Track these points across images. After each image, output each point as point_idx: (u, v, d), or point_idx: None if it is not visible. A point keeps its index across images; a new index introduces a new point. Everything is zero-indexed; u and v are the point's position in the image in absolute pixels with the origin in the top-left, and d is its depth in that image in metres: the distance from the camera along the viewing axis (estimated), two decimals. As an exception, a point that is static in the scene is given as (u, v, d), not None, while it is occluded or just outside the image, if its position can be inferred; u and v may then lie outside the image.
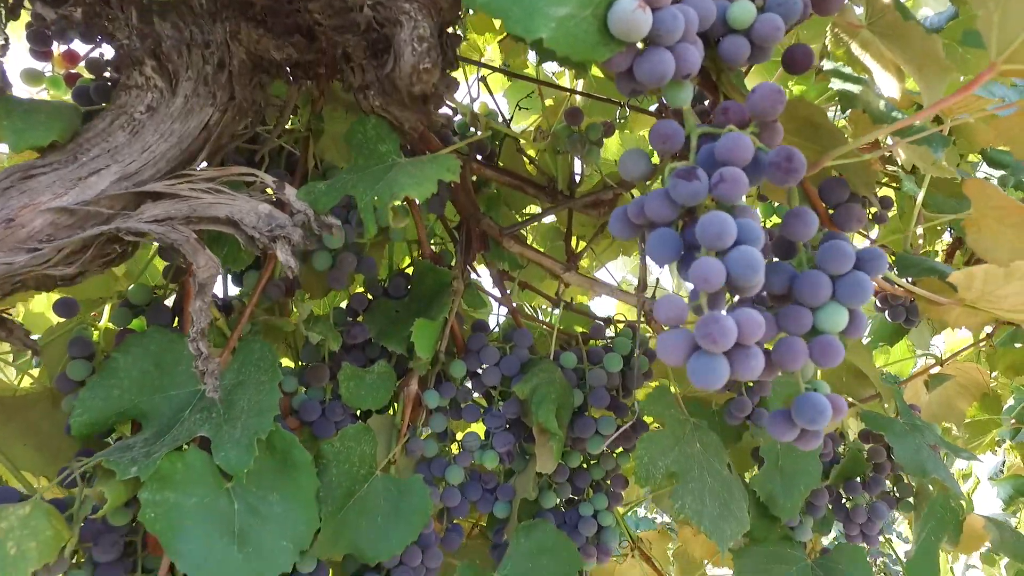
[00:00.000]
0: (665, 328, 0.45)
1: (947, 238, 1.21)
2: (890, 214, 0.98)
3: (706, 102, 0.78)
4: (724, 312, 0.43)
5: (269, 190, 0.66)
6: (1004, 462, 1.75)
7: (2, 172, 0.59)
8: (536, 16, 0.39)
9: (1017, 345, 1.30)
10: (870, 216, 0.97)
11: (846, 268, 0.50)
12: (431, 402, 0.81)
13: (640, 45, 0.45)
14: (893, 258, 0.90)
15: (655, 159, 0.53)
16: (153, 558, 0.71)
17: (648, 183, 0.61)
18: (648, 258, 0.56)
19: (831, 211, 0.64)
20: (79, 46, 0.92)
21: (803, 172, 0.45)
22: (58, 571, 0.64)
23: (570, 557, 0.79)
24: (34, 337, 0.81)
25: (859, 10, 0.69)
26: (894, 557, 1.12)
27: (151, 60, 0.64)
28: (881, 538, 1.02)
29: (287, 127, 0.80)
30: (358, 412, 0.82)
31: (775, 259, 0.55)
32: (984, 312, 0.71)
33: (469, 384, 0.86)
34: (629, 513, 1.18)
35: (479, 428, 0.87)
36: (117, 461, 0.59)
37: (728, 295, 0.49)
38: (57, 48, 0.89)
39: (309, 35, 0.67)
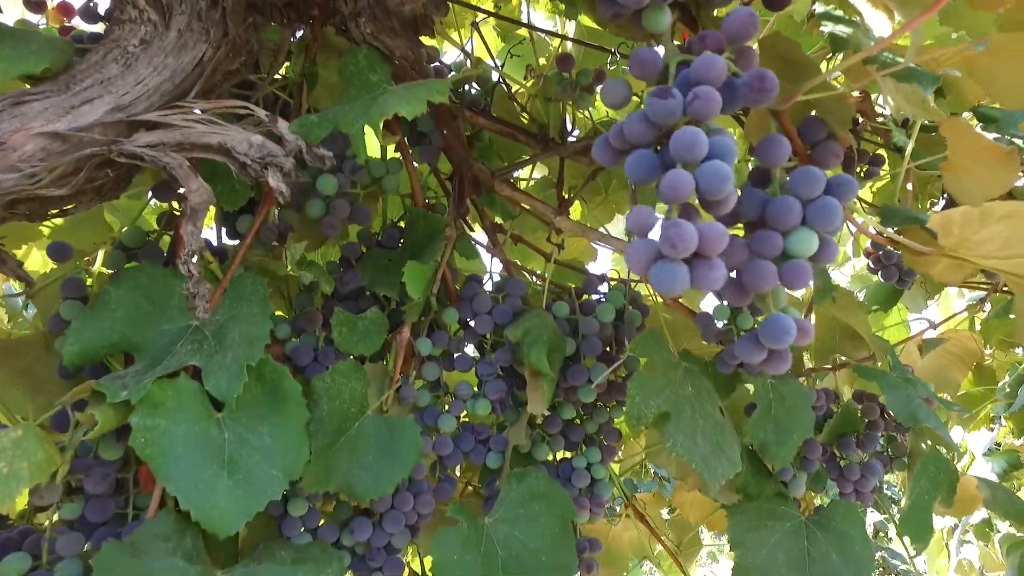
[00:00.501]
0: (633, 235, 0.46)
1: (940, 207, 1.22)
2: (882, 172, 0.99)
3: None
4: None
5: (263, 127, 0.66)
6: (997, 440, 1.75)
7: (-5, 98, 0.60)
8: None
9: (1011, 316, 1.30)
10: (861, 172, 0.98)
11: (816, 192, 0.52)
12: (424, 349, 0.81)
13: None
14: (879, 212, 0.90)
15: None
16: (144, 497, 0.71)
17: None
18: (632, 186, 0.56)
19: (809, 150, 0.65)
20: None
21: (776, 91, 0.46)
22: (50, 498, 0.64)
23: (563, 503, 0.79)
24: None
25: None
26: (890, 516, 1.12)
27: (145, -8, 0.64)
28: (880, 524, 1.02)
29: (281, 75, 0.81)
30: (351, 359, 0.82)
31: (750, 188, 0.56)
32: (967, 263, 0.72)
33: (462, 335, 0.86)
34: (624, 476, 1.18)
35: (472, 380, 0.87)
36: (108, 385, 0.59)
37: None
38: (51, 0, 0.90)
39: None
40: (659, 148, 0.49)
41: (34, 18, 0.89)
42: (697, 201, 0.48)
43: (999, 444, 1.72)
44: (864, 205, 1.11)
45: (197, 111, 0.64)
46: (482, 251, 1.04)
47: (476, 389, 0.85)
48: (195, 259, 0.58)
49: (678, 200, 0.44)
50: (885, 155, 1.00)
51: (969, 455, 1.69)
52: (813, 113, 0.63)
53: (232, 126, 0.63)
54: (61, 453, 0.62)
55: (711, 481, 0.71)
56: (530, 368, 0.75)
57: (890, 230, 0.78)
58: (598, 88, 0.81)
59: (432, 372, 0.83)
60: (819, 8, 0.71)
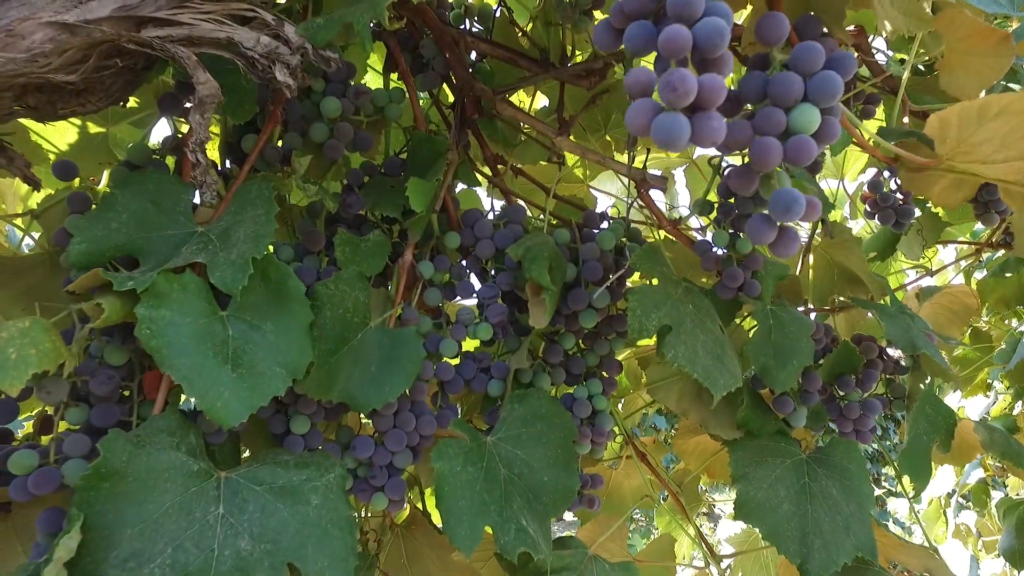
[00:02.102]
0: (633, 97, 0.47)
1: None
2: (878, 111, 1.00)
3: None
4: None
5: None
6: (993, 410, 1.76)
7: (4, -9, 0.60)
8: None
9: (1008, 275, 1.31)
10: (857, 111, 0.99)
11: (817, 66, 0.52)
12: (426, 272, 0.81)
13: None
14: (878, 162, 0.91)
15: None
16: (148, 407, 0.71)
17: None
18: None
19: None
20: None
21: None
22: (58, 394, 0.64)
23: (564, 424, 0.79)
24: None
25: None
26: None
27: None
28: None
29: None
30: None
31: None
32: (965, 180, 0.72)
33: (464, 264, 0.87)
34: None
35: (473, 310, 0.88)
36: (114, 275, 0.59)
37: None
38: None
39: None
40: (657, 21, 0.50)
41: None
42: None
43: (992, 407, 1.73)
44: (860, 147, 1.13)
45: (205, 10, 0.65)
46: (482, 193, 1.04)
47: (477, 316, 0.85)
48: (203, 148, 0.59)
49: (676, 54, 0.45)
50: (880, 96, 1.01)
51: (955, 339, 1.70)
52: (810, 10, 0.64)
53: (240, 26, 0.64)
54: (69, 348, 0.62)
55: (713, 390, 0.72)
56: (531, 284, 0.76)
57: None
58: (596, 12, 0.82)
59: (434, 298, 0.83)
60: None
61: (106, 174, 0.79)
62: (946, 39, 0.62)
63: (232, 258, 0.62)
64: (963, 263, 1.28)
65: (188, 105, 0.71)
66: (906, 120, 0.90)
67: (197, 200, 0.68)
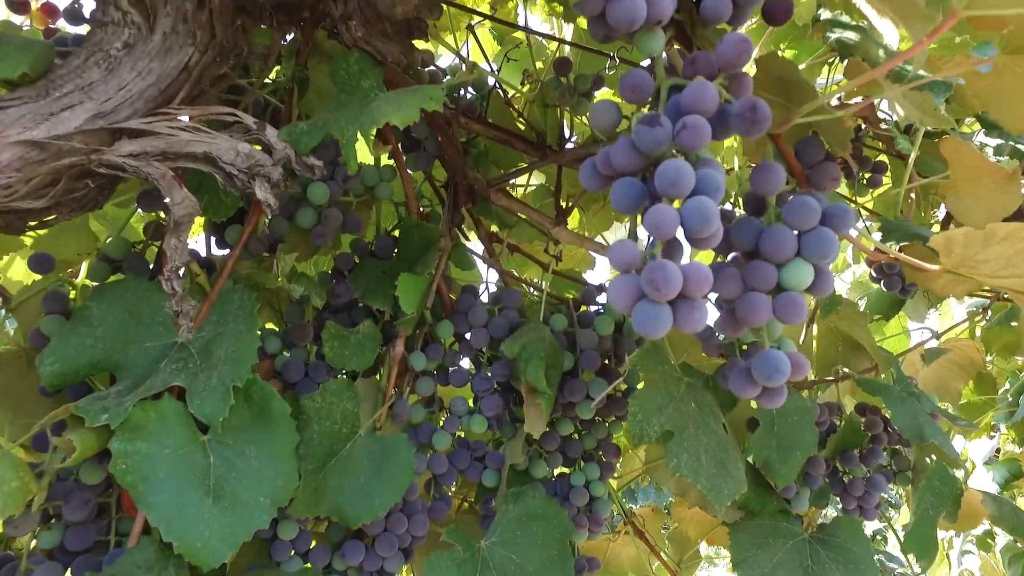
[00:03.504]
0: (618, 273, 0.44)
1: (942, 212, 1.20)
2: (884, 179, 0.97)
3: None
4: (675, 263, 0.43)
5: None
6: (998, 447, 1.74)
7: (-32, 105, 0.57)
8: None
9: (1013, 324, 1.29)
10: (864, 179, 0.96)
11: (812, 223, 0.50)
12: (418, 364, 0.78)
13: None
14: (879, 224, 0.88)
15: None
16: (127, 521, 0.68)
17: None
18: (625, 217, 0.54)
19: (807, 171, 0.63)
20: (58, 1, 0.90)
21: (768, 123, 0.45)
22: (26, 528, 0.61)
23: (561, 524, 0.77)
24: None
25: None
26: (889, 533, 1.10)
27: (127, -6, 0.62)
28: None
29: (271, 79, 0.78)
30: (343, 374, 0.79)
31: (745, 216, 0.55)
32: (969, 279, 0.70)
33: (457, 349, 0.84)
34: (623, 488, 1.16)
35: (467, 395, 0.85)
36: (87, 408, 0.56)
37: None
38: (35, 1, 0.87)
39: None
40: (646, 176, 0.47)
41: (17, 19, 0.86)
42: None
43: (999, 450, 1.70)
44: (866, 212, 1.10)
45: (183, 118, 0.61)
46: (477, 260, 1.01)
47: (472, 404, 0.82)
48: (179, 275, 0.56)
49: (662, 237, 0.43)
50: (887, 161, 0.98)
51: (970, 463, 1.68)
52: (811, 133, 0.61)
53: (219, 134, 0.60)
54: (39, 479, 0.59)
55: (717, 503, 0.69)
56: (527, 386, 0.73)
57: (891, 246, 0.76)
58: (596, 93, 0.79)
59: (427, 388, 0.80)
60: (825, 14, 0.69)
61: (85, 266, 0.76)
62: (952, 163, 0.59)
63: (213, 383, 0.59)
64: (966, 323, 1.25)
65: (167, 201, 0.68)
66: (912, 196, 0.87)
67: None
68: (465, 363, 0.86)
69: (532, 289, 0.96)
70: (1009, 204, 0.59)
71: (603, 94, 1.07)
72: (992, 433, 1.63)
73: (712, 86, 0.44)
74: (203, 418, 0.58)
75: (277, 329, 0.83)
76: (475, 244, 0.97)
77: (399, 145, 0.81)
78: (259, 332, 0.76)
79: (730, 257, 0.56)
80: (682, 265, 0.43)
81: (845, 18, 0.68)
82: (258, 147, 0.63)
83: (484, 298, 0.97)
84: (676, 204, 0.45)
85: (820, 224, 0.50)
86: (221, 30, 0.66)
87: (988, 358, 1.46)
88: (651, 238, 0.44)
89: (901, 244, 0.72)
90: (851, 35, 0.65)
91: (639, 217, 0.46)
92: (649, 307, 0.43)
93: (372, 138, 0.53)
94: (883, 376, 0.98)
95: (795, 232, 0.50)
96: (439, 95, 0.53)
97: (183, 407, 0.59)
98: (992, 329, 1.32)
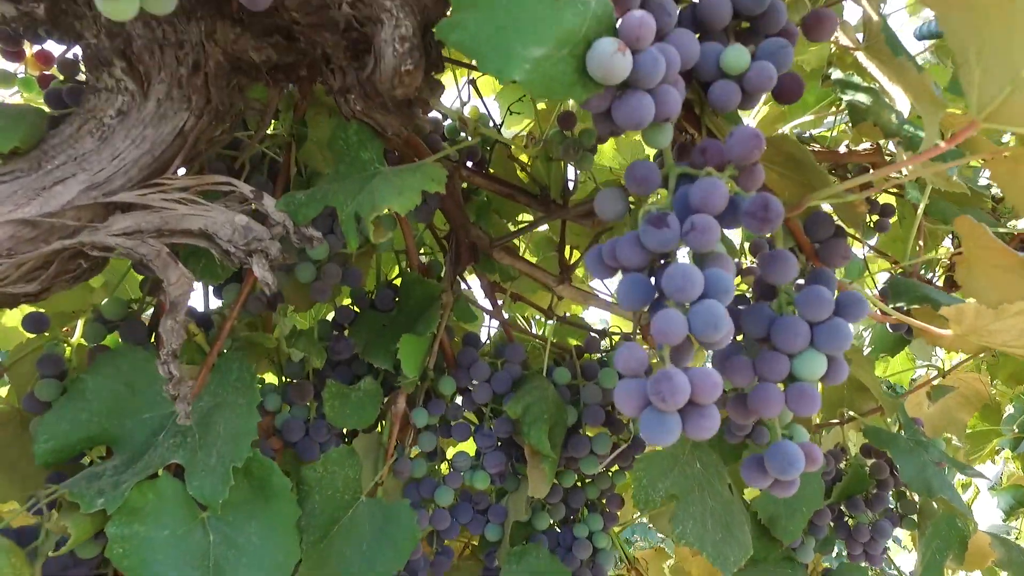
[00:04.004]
0: (624, 376, 0.43)
1: (948, 243, 1.19)
2: (891, 220, 0.96)
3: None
4: (682, 368, 0.41)
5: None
6: (1003, 472, 1.73)
7: (-41, 182, 0.56)
8: (511, 58, 0.36)
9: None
10: (871, 223, 0.95)
11: (825, 315, 0.49)
12: (420, 421, 0.77)
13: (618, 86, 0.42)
14: (891, 266, 0.87)
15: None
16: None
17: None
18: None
19: (817, 247, 0.62)
20: (53, 46, 0.88)
21: (780, 221, 0.44)
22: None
23: (564, 582, 0.76)
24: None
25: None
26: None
27: (121, 61, 0.60)
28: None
29: (269, 132, 0.77)
30: (344, 431, 0.78)
31: (756, 301, 0.54)
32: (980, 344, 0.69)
33: (459, 400, 0.83)
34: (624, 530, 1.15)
35: (469, 446, 0.84)
36: (82, 493, 0.55)
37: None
38: (30, 48, 0.85)
39: (288, 36, 0.64)
40: (654, 268, 0.46)
41: (11, 66, 0.84)
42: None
43: (1003, 476, 1.69)
44: (874, 251, 1.09)
45: (178, 187, 0.60)
46: (477, 293, 1.00)
47: (474, 457, 0.81)
48: (176, 358, 0.54)
49: (671, 344, 0.41)
50: (895, 203, 0.97)
51: (974, 488, 1.67)
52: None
53: (215, 205, 0.59)
54: (32, 559, 0.58)
55: (723, 570, 0.68)
56: (531, 448, 0.72)
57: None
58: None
59: (429, 443, 0.79)
60: (836, 74, 0.68)
61: (80, 323, 0.74)
62: (965, 241, 0.58)
63: (212, 463, 0.58)
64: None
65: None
66: (920, 244, 0.86)
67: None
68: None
69: (534, 325, 0.95)
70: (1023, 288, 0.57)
71: (607, 146, 1.05)
72: (996, 458, 1.62)
73: (722, 184, 0.43)
74: (202, 500, 0.57)
75: (277, 382, 0.82)
76: (476, 284, 0.96)
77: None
78: (259, 387, 0.75)
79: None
80: (690, 371, 0.42)
81: (856, 79, 0.66)
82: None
83: (483, 333, 0.96)
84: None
85: (834, 315, 0.49)
86: (216, 93, 0.64)
87: (993, 382, 1.45)
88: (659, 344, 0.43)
89: (910, 306, 0.71)
90: (863, 98, 0.63)
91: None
92: (657, 416, 0.41)
93: (371, 225, 0.52)
94: (888, 420, 0.97)
95: (808, 323, 0.49)
96: (441, 176, 0.52)
97: (181, 485, 0.58)
98: (998, 359, 1.31)
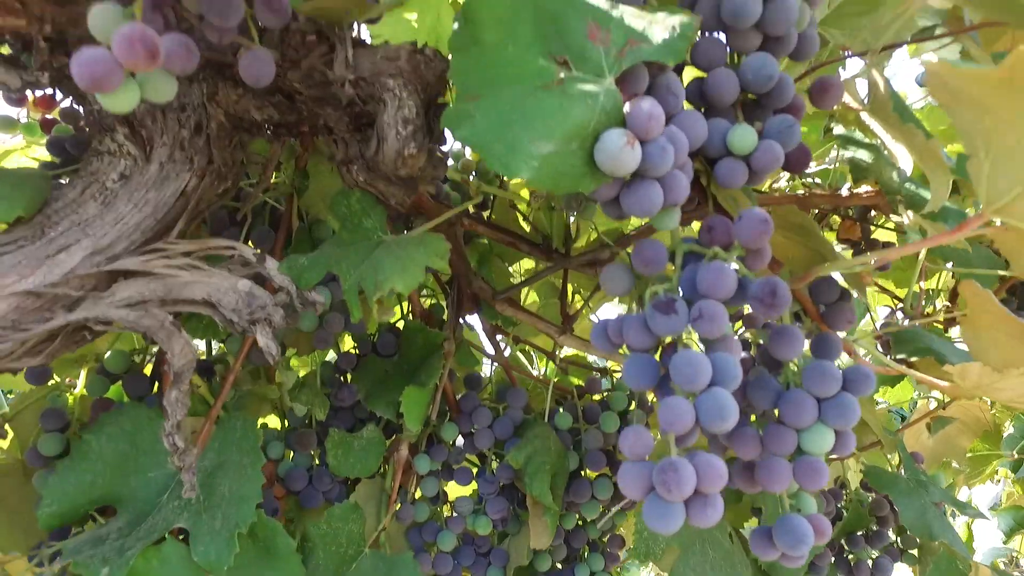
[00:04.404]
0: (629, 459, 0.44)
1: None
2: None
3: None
4: (687, 456, 0.42)
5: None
6: (1003, 491, 1.73)
7: (-37, 252, 0.56)
8: (518, 155, 0.36)
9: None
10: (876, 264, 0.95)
11: (833, 391, 0.49)
12: (422, 468, 0.78)
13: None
14: (891, 302, 0.87)
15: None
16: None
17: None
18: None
19: (822, 310, 0.62)
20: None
21: (787, 306, 0.44)
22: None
23: (567, 628, 0.76)
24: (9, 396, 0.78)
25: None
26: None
27: (123, 127, 0.60)
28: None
29: (271, 181, 0.77)
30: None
31: (762, 370, 0.54)
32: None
33: (460, 442, 0.83)
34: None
35: (472, 488, 0.84)
36: (87, 562, 0.55)
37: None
38: (32, 93, 0.85)
39: (290, 96, 0.64)
40: (660, 352, 0.46)
41: (14, 111, 0.84)
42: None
43: (1003, 496, 1.70)
44: (876, 287, 1.09)
45: (181, 252, 0.60)
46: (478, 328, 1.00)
47: (476, 501, 0.81)
48: (180, 429, 0.55)
49: (677, 433, 0.41)
50: (897, 242, 0.97)
51: (973, 509, 1.67)
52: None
53: (217, 270, 0.59)
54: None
55: (723, 624, 0.68)
56: (533, 499, 0.72)
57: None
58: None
59: (431, 488, 0.80)
60: (838, 129, 0.68)
61: (83, 374, 0.75)
62: (971, 304, 0.58)
63: (216, 527, 0.58)
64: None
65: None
66: (923, 285, 0.86)
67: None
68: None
69: (537, 379, 0.95)
70: (1028, 356, 0.58)
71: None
72: (996, 478, 1.63)
73: (731, 270, 0.43)
74: (207, 567, 0.57)
75: (280, 428, 0.82)
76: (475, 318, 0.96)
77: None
78: (261, 433, 0.75)
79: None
80: (696, 459, 0.42)
81: (859, 135, 0.66)
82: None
83: (485, 367, 0.96)
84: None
85: (842, 390, 0.49)
86: (219, 153, 0.64)
87: (992, 404, 1.45)
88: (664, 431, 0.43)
89: (913, 354, 0.72)
90: (864, 155, 0.63)
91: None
92: (661, 504, 0.41)
93: (375, 304, 0.52)
94: (889, 457, 0.97)
95: (815, 399, 0.49)
96: (444, 251, 0.52)
97: (186, 551, 0.59)
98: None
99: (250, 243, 0.76)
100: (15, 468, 0.74)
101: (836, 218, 0.97)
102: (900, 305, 1.08)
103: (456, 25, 0.40)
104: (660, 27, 0.40)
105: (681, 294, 0.45)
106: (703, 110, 0.49)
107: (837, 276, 0.60)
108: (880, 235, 0.99)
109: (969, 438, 1.24)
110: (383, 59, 0.49)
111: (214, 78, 0.62)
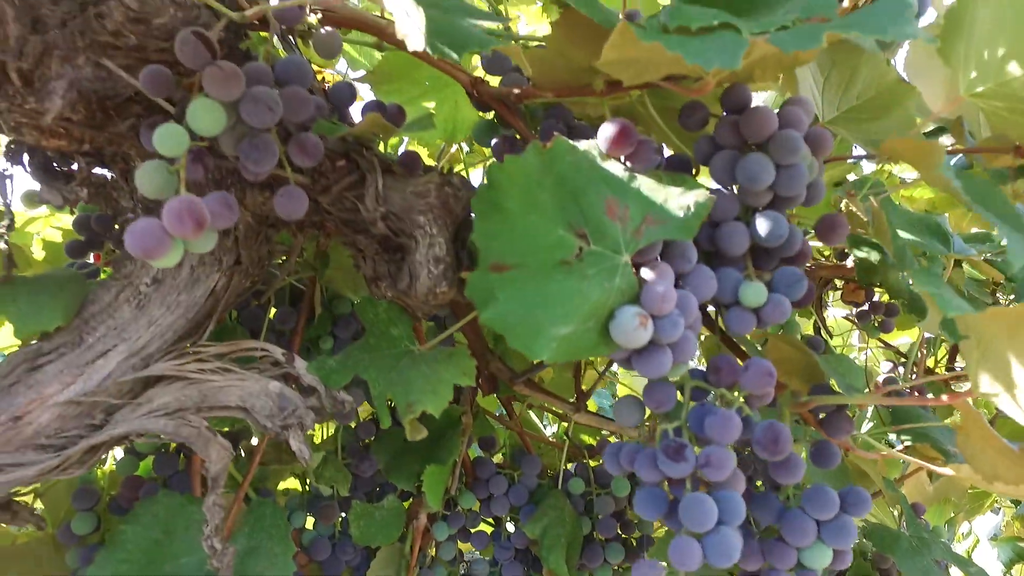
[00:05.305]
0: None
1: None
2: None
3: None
4: None
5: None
6: (1002, 520, 1.76)
7: (8, 363, 0.58)
8: (540, 338, 0.39)
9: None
10: (876, 323, 0.97)
11: (831, 515, 0.51)
12: (441, 535, 0.81)
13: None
14: (894, 356, 0.89)
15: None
16: None
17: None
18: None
19: (822, 419, 0.65)
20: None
21: (788, 451, 0.46)
22: None
23: None
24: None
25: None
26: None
27: (156, 234, 0.62)
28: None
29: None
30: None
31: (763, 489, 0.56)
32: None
33: (476, 513, 0.86)
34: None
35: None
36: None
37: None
38: (55, 169, 0.87)
39: (316, 200, 0.66)
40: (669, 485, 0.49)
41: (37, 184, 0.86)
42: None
43: (1003, 525, 1.72)
44: (880, 343, 1.11)
45: (213, 355, 0.62)
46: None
47: (491, 563, 0.84)
48: (219, 531, 0.57)
49: (687, 570, 0.44)
50: (900, 305, 0.99)
51: (973, 538, 1.71)
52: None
53: (249, 373, 0.62)
54: None
55: None
56: (549, 572, 0.75)
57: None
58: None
59: (449, 552, 0.83)
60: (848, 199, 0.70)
61: (112, 454, 0.77)
62: (964, 423, 0.61)
63: (249, 620, 0.61)
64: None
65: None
66: (923, 351, 0.89)
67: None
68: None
69: (551, 443, 0.97)
70: (1021, 476, 0.60)
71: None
72: (996, 507, 1.65)
73: (737, 420, 0.46)
74: (241, 658, 0.60)
75: (301, 491, 0.85)
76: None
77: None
78: (285, 503, 0.78)
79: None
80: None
81: (865, 235, 0.68)
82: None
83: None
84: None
85: (840, 512, 0.52)
86: (246, 252, 0.66)
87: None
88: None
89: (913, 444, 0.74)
90: (872, 256, 0.66)
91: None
92: None
93: (409, 425, 0.55)
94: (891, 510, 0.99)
95: (814, 520, 0.52)
96: (471, 369, 0.54)
97: (221, 640, 0.61)
98: (1001, 420, 1.34)
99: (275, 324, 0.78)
100: (46, 543, 0.76)
101: (839, 281, 1.00)
102: (903, 360, 1.10)
103: (479, 188, 0.43)
104: (676, 203, 0.42)
105: (688, 425, 0.48)
106: (713, 253, 0.51)
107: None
108: (883, 294, 1.01)
109: (969, 476, 1.26)
110: (413, 194, 0.51)
111: (241, 184, 0.64)
